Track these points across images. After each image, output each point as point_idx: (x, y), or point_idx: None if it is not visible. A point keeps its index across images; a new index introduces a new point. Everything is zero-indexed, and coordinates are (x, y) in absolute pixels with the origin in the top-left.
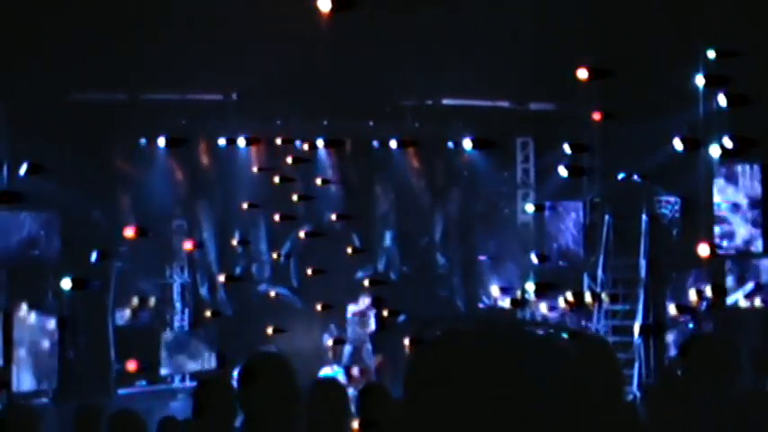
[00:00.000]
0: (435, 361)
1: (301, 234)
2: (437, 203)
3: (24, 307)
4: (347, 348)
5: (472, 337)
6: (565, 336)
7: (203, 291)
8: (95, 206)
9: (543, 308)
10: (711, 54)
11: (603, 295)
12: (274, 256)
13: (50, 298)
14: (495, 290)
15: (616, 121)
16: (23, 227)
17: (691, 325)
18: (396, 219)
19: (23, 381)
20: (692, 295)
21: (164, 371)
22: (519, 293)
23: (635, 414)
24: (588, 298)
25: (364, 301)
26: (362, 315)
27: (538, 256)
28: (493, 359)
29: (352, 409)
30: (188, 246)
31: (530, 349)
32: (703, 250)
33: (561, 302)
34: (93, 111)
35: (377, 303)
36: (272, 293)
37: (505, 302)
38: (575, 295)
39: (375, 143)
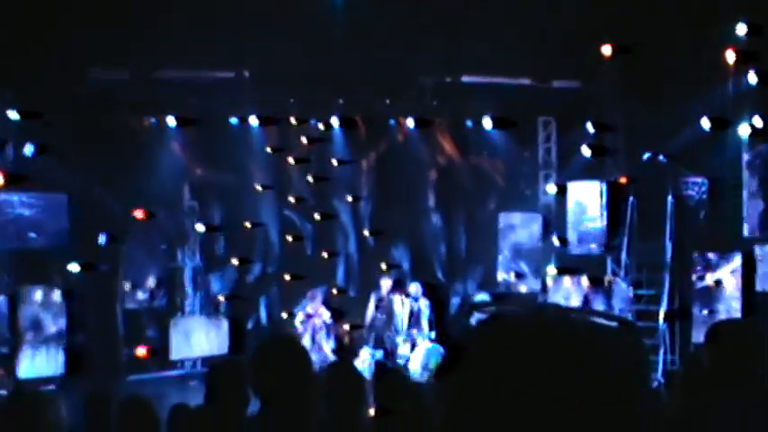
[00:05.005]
0: (479, 346)
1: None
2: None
3: (30, 291)
4: (370, 337)
5: (518, 322)
6: (614, 323)
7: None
8: (104, 187)
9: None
10: (742, 29)
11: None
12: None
13: (57, 282)
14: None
15: (641, 100)
16: None
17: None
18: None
19: (30, 367)
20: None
21: (175, 356)
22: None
23: (660, 402)
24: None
25: (386, 284)
26: (380, 300)
27: (560, 239)
28: (538, 345)
29: (369, 392)
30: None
31: (578, 336)
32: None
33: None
34: (101, 89)
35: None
36: None
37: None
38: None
39: (391, 121)
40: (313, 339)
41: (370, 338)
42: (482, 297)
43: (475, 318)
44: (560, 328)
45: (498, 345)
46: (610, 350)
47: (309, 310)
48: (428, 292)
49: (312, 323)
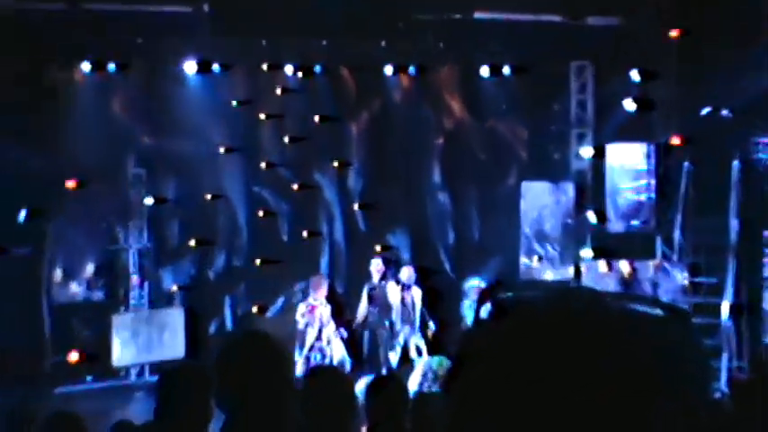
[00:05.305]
0: (492, 342)
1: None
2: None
3: None
4: (364, 335)
5: (540, 310)
6: (659, 311)
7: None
8: (24, 150)
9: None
10: None
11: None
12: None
13: None
14: None
15: (698, 40)
16: None
17: None
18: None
19: None
20: None
21: (117, 362)
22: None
23: (722, 415)
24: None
25: (376, 265)
26: (373, 289)
27: (596, 213)
28: (565, 337)
29: (360, 403)
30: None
31: (613, 326)
32: None
33: None
34: (16, 25)
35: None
36: None
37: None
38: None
39: (388, 68)
40: (319, 335)
41: (363, 336)
42: (474, 283)
43: (486, 309)
44: (592, 317)
45: (515, 340)
46: (654, 344)
47: (312, 300)
48: (422, 278)
49: (318, 316)
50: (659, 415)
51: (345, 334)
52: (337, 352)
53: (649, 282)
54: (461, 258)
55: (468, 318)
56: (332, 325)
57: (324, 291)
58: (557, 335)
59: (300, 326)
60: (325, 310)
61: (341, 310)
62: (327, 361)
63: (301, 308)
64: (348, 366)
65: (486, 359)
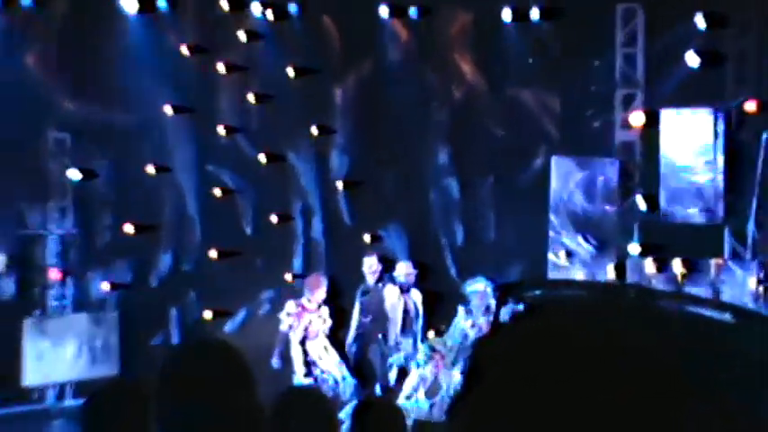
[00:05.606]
0: (518, 336)
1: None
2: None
3: None
4: (352, 349)
5: (574, 308)
6: (727, 316)
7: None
8: None
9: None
10: None
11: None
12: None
13: None
14: None
15: None
16: None
17: None
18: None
19: None
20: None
21: (29, 380)
22: None
23: None
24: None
25: (370, 264)
26: (365, 293)
27: (646, 198)
28: (603, 337)
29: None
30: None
31: (667, 331)
32: None
33: None
34: None
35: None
36: None
37: None
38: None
39: (383, 9)
40: (303, 346)
41: (351, 351)
42: (477, 287)
43: (507, 310)
44: (640, 319)
45: (544, 346)
46: (718, 354)
47: (306, 302)
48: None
49: (305, 323)
50: None
51: (353, 357)
52: (334, 371)
53: (709, 284)
54: (471, 260)
55: (458, 330)
56: (321, 339)
57: (321, 292)
58: (597, 339)
59: (284, 327)
60: (316, 320)
61: (340, 323)
62: (330, 380)
63: (290, 306)
64: (348, 391)
65: (507, 369)
